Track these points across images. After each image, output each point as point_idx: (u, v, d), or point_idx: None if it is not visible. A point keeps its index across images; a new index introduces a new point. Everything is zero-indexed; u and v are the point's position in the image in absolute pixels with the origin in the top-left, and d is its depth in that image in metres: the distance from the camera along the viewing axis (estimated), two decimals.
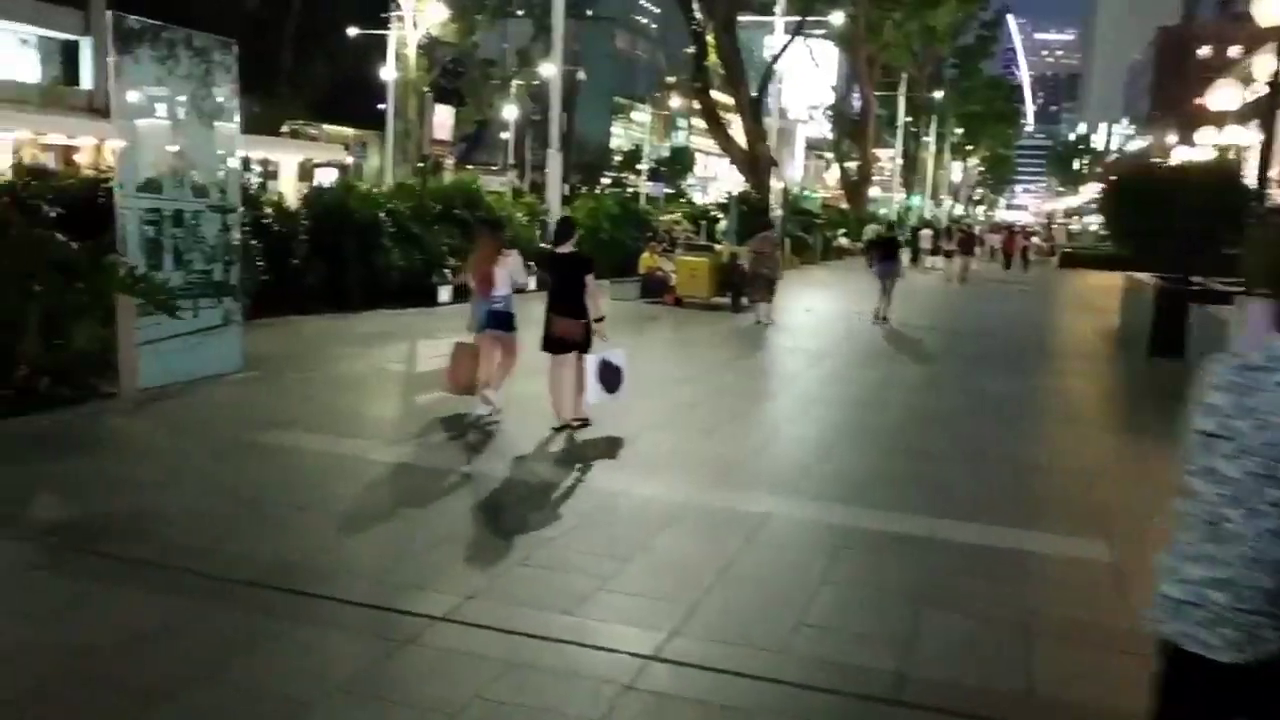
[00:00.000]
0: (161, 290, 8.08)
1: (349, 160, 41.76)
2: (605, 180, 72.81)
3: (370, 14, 45.19)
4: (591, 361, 8.03)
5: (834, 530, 6.00)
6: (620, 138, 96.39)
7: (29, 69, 45.05)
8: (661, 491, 6.54)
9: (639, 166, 78.70)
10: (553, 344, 8.08)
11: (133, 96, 8.42)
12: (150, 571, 4.77)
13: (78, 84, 47.15)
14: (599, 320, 8.04)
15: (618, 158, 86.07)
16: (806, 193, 65.69)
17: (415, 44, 42.38)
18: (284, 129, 56.66)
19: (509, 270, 8.24)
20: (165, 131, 8.75)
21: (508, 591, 4.75)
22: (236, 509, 5.83)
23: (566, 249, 8.26)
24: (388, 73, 41.24)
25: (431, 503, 6.23)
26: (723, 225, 28.75)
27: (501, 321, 8.28)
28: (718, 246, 23.65)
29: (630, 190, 52.15)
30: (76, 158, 26.84)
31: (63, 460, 6.63)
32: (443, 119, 34.76)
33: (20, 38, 41.98)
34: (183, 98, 8.92)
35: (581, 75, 50.63)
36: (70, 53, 47.29)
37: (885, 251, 19.84)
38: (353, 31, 45.64)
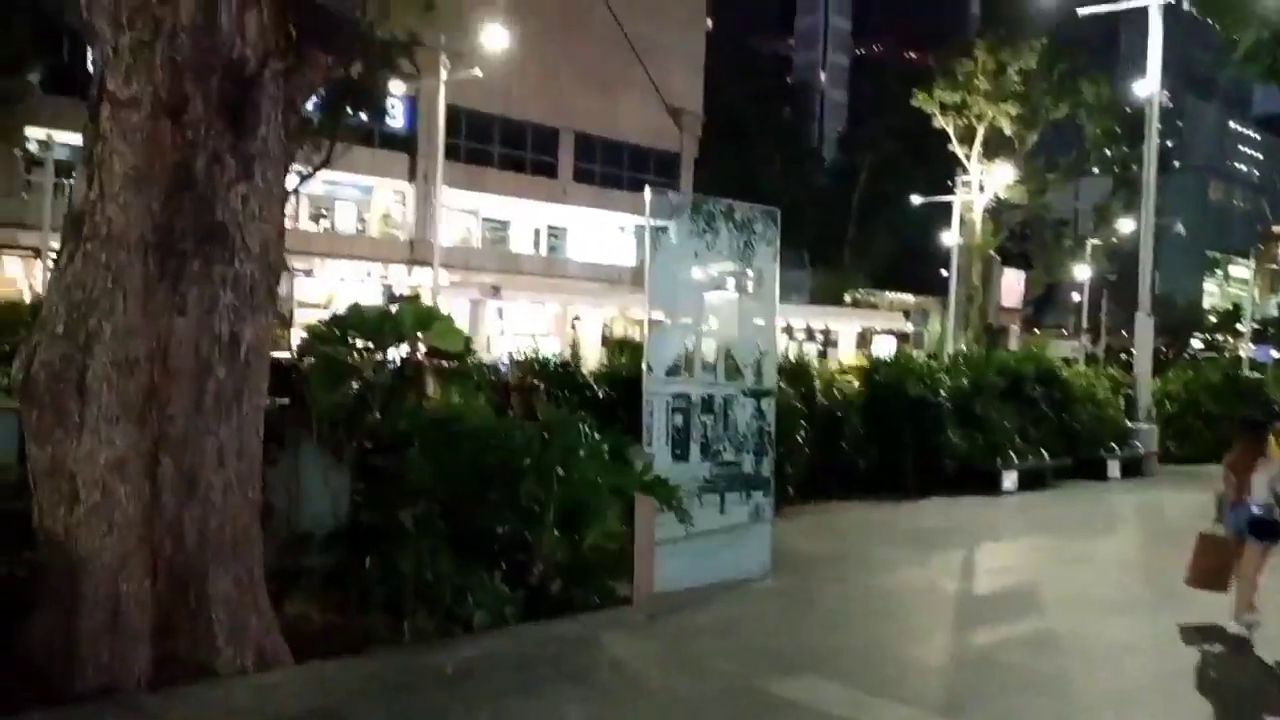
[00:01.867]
0: (674, 491, 7.14)
1: (909, 328, 40.89)
2: (1196, 344, 64.85)
3: (934, 181, 44.78)
4: None
5: None
6: (1214, 295, 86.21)
7: (626, 254, 50.84)
8: None
9: (1239, 327, 69.30)
10: None
11: (667, 272, 7.79)
12: None
13: None
14: None
15: (1212, 318, 76.69)
16: None
17: (981, 208, 40.92)
18: (845, 298, 58.07)
19: (1271, 476, 7.54)
20: (700, 308, 8.01)
21: None
22: None
23: None
24: (950, 238, 40.02)
25: None
26: None
27: (1265, 529, 7.54)
28: None
29: (1228, 354, 45.28)
30: None
31: (542, 695, 5.71)
32: (1010, 283, 32.99)
33: (619, 225, 47.55)
34: (720, 273, 8.18)
35: (1180, 229, 45.61)
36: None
37: None
38: (916, 200, 45.51)
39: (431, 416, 6.99)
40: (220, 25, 5.57)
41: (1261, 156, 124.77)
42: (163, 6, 5.41)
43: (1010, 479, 15.22)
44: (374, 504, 7.01)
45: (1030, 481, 15.49)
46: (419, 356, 8.00)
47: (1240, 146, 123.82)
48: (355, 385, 7.77)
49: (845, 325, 40.29)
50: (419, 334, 8.07)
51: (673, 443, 7.78)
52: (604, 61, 47.49)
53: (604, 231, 50.26)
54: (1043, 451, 16.08)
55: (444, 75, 29.63)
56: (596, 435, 7.35)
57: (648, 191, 7.60)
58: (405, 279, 40.05)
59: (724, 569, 8.11)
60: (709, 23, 69.02)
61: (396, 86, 33.90)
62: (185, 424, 5.57)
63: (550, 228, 49.06)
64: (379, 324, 8.15)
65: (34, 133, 33.00)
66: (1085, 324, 54.77)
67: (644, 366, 7.68)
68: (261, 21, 5.74)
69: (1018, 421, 16.15)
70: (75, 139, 33.88)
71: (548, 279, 43.25)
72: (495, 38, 29.95)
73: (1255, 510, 7.53)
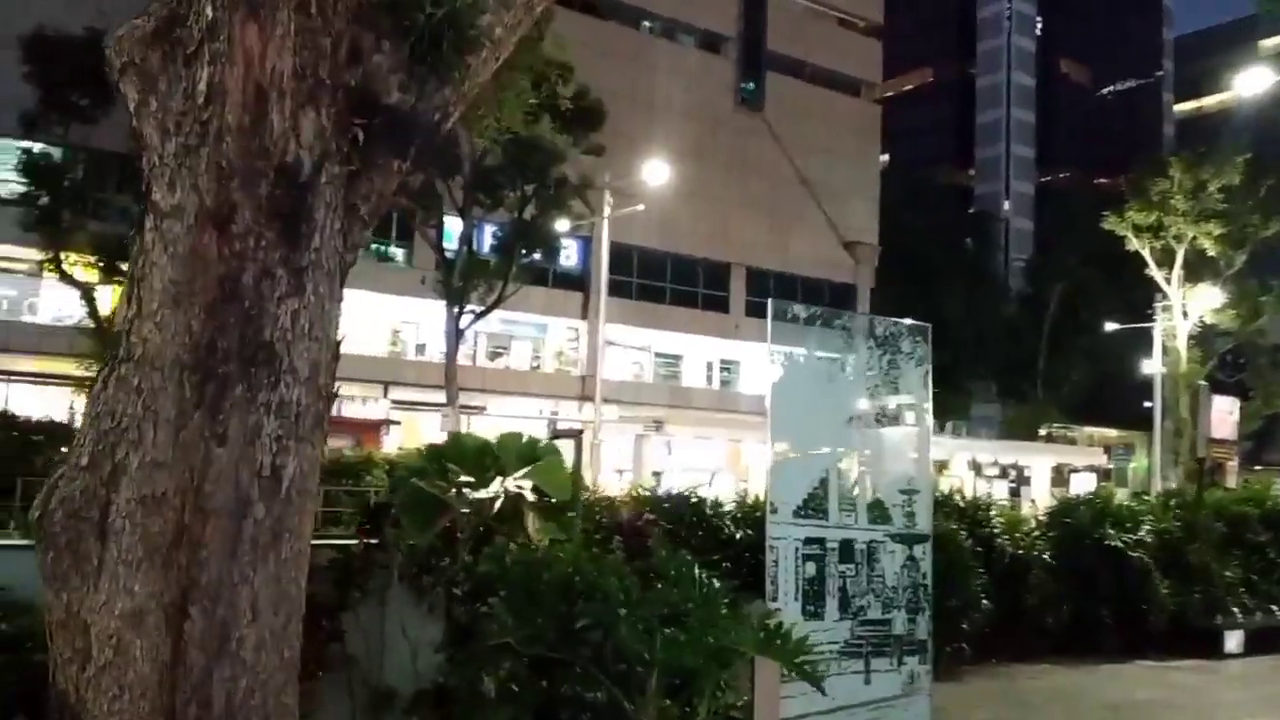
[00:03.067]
0: (798, 649, 5.91)
1: (1108, 464, 37.75)
2: None
3: (1130, 307, 41.95)
4: None
5: None
6: None
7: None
8: None
9: None
10: None
11: (793, 395, 6.75)
12: None
13: None
14: None
15: None
16: None
17: (1185, 334, 37.90)
18: (1041, 431, 54.59)
19: None
20: (835, 439, 6.90)
21: None
22: None
23: None
24: (1153, 367, 37.06)
25: None
26: None
27: None
28: None
29: None
30: None
31: None
32: (1221, 413, 29.83)
33: None
34: (859, 397, 7.07)
35: None
36: None
37: None
38: (1111, 327, 42.61)
39: (517, 559, 6.09)
40: (271, 125, 5.06)
41: None
42: (208, 108, 4.96)
43: (1235, 640, 13.03)
44: (460, 661, 6.11)
45: (1260, 643, 13.22)
46: (521, 493, 7.18)
47: None
48: (448, 524, 7.02)
49: (1039, 461, 37.52)
50: (522, 470, 7.29)
51: (804, 596, 6.60)
52: (776, 196, 47.51)
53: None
54: (1274, 608, 13.78)
55: (607, 211, 29.78)
56: (715, 583, 6.27)
57: (770, 304, 6.66)
58: (576, 414, 40.04)
59: None
60: (885, 157, 68.66)
61: (568, 225, 34.69)
62: (219, 570, 4.87)
63: (723, 361, 48.50)
64: (479, 456, 7.42)
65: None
66: None
67: (766, 506, 6.59)
68: (320, 122, 5.23)
69: (1241, 572, 13.97)
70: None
71: (715, 413, 42.41)
72: (658, 173, 30.06)
73: None
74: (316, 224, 5.19)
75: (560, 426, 31.73)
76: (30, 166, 27.28)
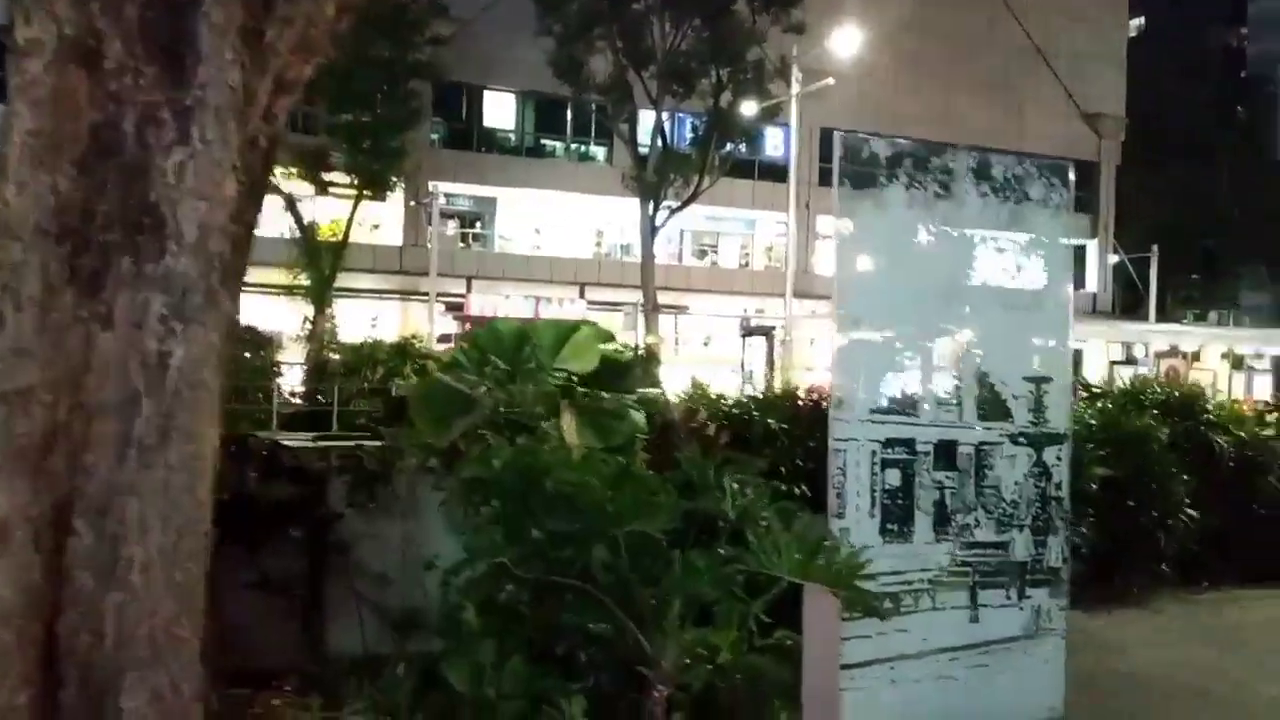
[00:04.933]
0: (852, 570, 4.54)
1: None
2: None
3: None
4: None
5: None
6: None
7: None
8: None
9: None
10: None
11: (869, 258, 5.26)
12: None
13: (1082, 287, 46.47)
14: None
15: None
16: None
17: None
18: None
19: None
20: (931, 313, 5.38)
21: None
22: None
23: None
24: None
25: None
26: None
27: None
28: None
29: None
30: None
31: None
32: None
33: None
34: (967, 261, 5.49)
35: None
36: (1078, 257, 47.07)
37: None
38: None
39: (510, 462, 5.02)
40: None
41: None
42: None
43: None
44: (447, 584, 5.19)
45: None
46: (559, 385, 6.11)
47: None
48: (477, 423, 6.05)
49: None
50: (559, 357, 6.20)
51: (883, 512, 5.21)
52: (1007, 69, 43.47)
53: (1012, 254, 45.68)
54: None
55: (795, 89, 27.71)
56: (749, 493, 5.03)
57: (837, 138, 5.16)
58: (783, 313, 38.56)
59: (978, 707, 5.36)
60: (1140, 21, 61.64)
61: (774, 113, 32.69)
62: (107, 477, 4.09)
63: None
64: (518, 345, 6.38)
65: (441, 186, 35.55)
66: None
67: (832, 403, 5.20)
68: None
69: None
70: (474, 189, 36.19)
71: None
72: (850, 42, 27.62)
73: None
74: (201, 54, 4.20)
75: (756, 324, 30.36)
76: None
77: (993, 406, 5.49)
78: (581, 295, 35.72)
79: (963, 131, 42.49)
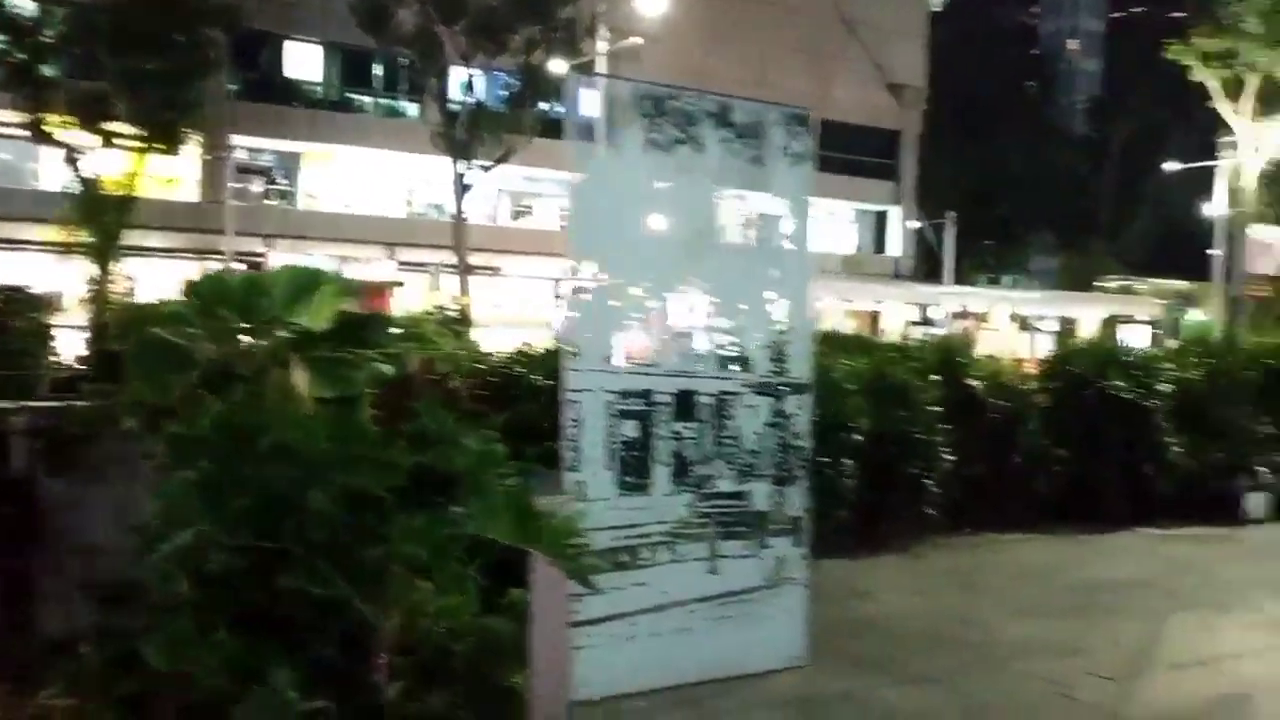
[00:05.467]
0: (565, 533, 4.39)
1: (1157, 316, 35.28)
2: None
3: (1206, 152, 38.60)
4: None
5: None
6: None
7: (838, 240, 47.33)
8: None
9: None
10: None
11: (604, 203, 5.09)
12: None
13: (884, 251, 48.32)
14: None
15: None
16: None
17: (1256, 173, 34.82)
18: (1111, 285, 51.78)
19: None
20: (669, 260, 5.26)
21: None
22: None
23: None
24: (1215, 209, 34.24)
25: None
26: None
27: None
28: None
29: None
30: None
31: None
32: (1261, 248, 26.39)
33: (829, 210, 44.15)
34: (707, 208, 5.39)
35: None
36: (881, 223, 48.87)
37: None
38: (1172, 166, 39.48)
39: (220, 420, 4.63)
40: None
41: None
42: None
43: (1257, 503, 11.33)
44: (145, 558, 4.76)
45: None
46: (284, 338, 5.70)
47: None
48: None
49: (1088, 313, 35.17)
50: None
51: (621, 464, 5.08)
52: (815, 38, 44.45)
53: (817, 217, 47.04)
54: None
55: (601, 47, 27.49)
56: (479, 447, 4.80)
57: (570, 77, 4.94)
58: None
59: (719, 659, 5.34)
60: None
61: (586, 72, 32.35)
62: None
63: (760, 216, 46.19)
64: (247, 295, 5.93)
65: (240, 141, 33.72)
66: None
67: (565, 351, 5.02)
68: None
69: (1275, 428, 12.16)
70: (277, 144, 34.33)
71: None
72: (659, 2, 27.54)
73: None
74: None
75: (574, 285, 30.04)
76: (3, 20, 25.88)
77: (733, 357, 5.43)
78: (391, 256, 34.68)
79: (772, 96, 43.32)
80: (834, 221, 46.50)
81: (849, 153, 45.77)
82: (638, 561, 5.07)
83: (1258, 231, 24.62)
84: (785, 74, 42.45)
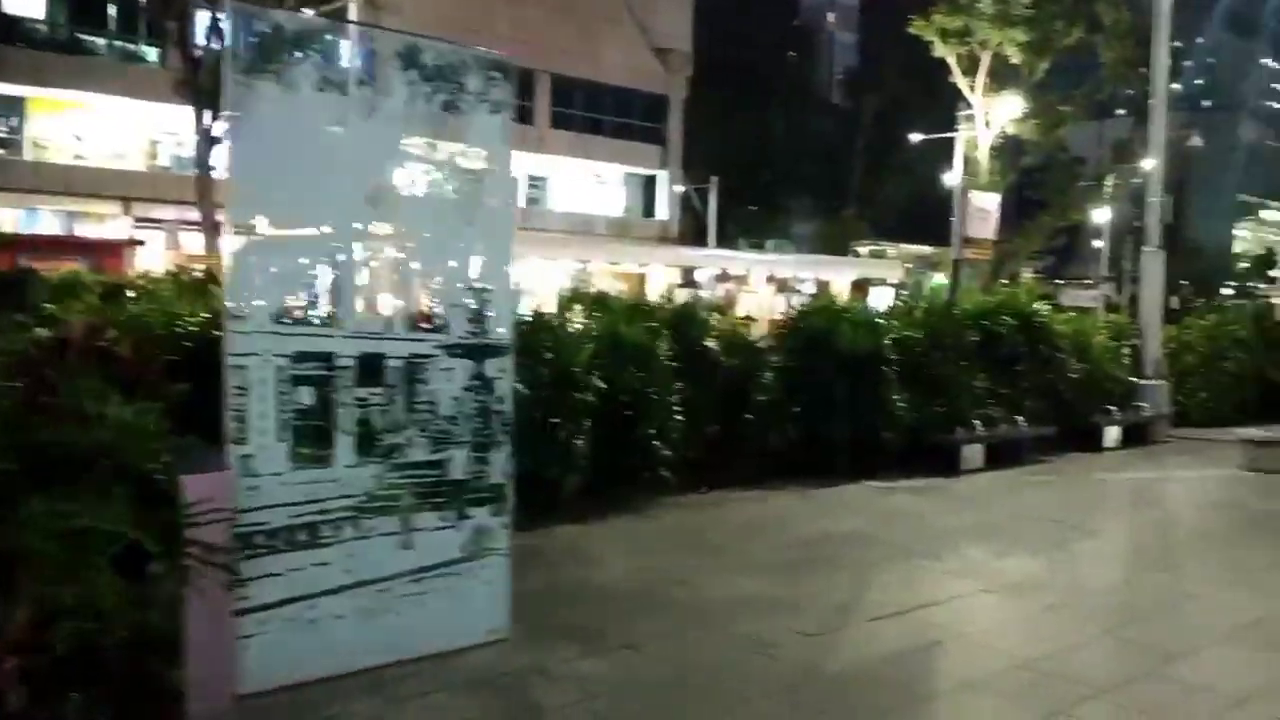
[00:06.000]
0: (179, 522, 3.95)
1: (903, 278, 37.41)
2: (1226, 291, 60.96)
3: (949, 123, 40.97)
4: None
5: None
6: (1247, 241, 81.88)
7: (607, 203, 47.56)
8: None
9: (1271, 273, 65.37)
10: None
11: (271, 149, 4.63)
12: None
13: (652, 215, 48.94)
14: None
15: (1243, 264, 72.44)
16: None
17: (988, 145, 37.23)
18: (863, 251, 54.43)
19: None
20: (348, 212, 4.86)
21: None
22: None
23: None
24: (953, 178, 36.45)
25: None
26: None
27: None
28: None
29: (1260, 300, 41.53)
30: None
31: None
32: (979, 212, 28.13)
33: (595, 174, 44.31)
34: (392, 156, 5.02)
35: (1197, 141, 41.55)
36: (649, 187, 49.41)
37: None
38: (915, 138, 41.82)
39: None
40: None
41: None
42: None
43: (973, 454, 12.05)
44: None
45: (1001, 456, 12.34)
46: None
47: (1277, 86, 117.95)
48: None
49: (840, 276, 36.83)
50: None
51: (295, 435, 4.67)
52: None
53: (586, 180, 47.06)
54: (1018, 419, 12.90)
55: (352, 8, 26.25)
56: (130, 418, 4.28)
57: (229, 8, 4.43)
58: None
59: (413, 638, 5.04)
60: None
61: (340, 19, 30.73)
62: None
63: (531, 178, 45.74)
64: None
65: None
66: (1107, 271, 51.00)
67: (227, 311, 4.55)
68: None
69: (989, 383, 12.97)
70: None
71: (523, 232, 40.00)
72: None
73: None
74: None
75: None
76: None
77: (425, 317, 5.11)
78: (128, 212, 32.08)
79: (541, 54, 42.86)
80: (603, 184, 46.64)
81: (618, 116, 45.98)
82: (318, 540, 4.69)
83: (977, 198, 26.32)
84: (554, 33, 42.05)
